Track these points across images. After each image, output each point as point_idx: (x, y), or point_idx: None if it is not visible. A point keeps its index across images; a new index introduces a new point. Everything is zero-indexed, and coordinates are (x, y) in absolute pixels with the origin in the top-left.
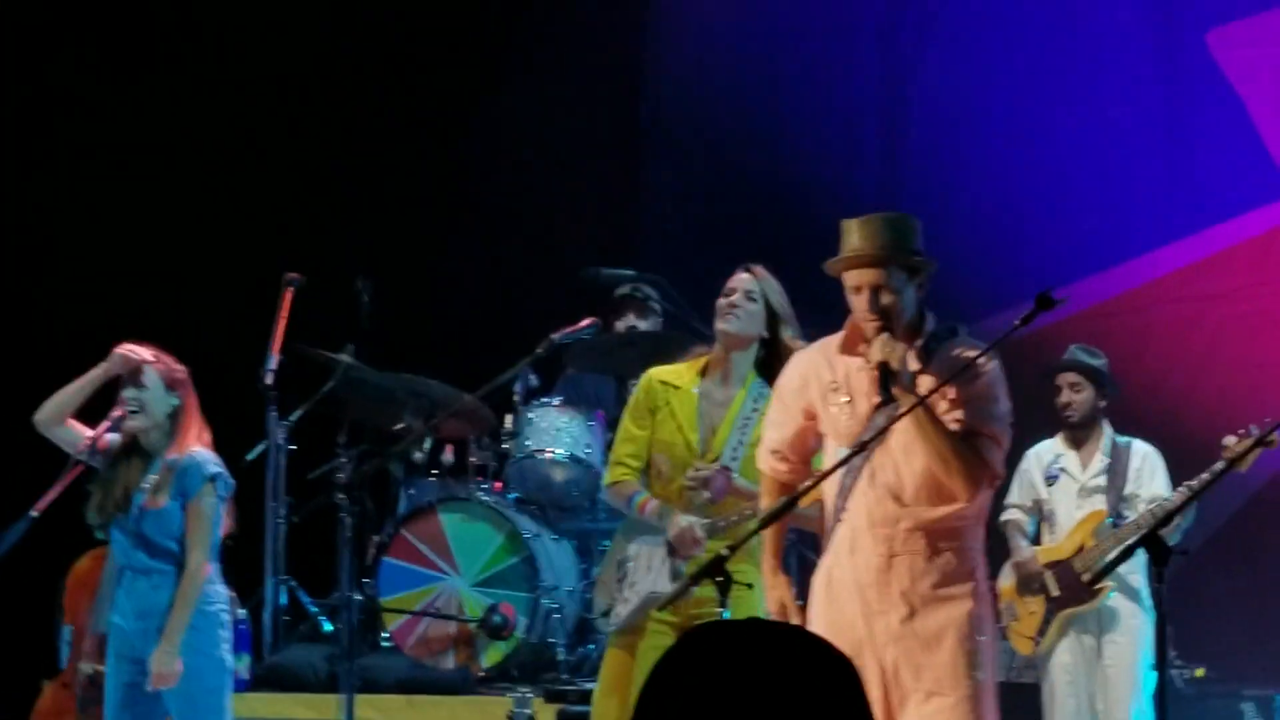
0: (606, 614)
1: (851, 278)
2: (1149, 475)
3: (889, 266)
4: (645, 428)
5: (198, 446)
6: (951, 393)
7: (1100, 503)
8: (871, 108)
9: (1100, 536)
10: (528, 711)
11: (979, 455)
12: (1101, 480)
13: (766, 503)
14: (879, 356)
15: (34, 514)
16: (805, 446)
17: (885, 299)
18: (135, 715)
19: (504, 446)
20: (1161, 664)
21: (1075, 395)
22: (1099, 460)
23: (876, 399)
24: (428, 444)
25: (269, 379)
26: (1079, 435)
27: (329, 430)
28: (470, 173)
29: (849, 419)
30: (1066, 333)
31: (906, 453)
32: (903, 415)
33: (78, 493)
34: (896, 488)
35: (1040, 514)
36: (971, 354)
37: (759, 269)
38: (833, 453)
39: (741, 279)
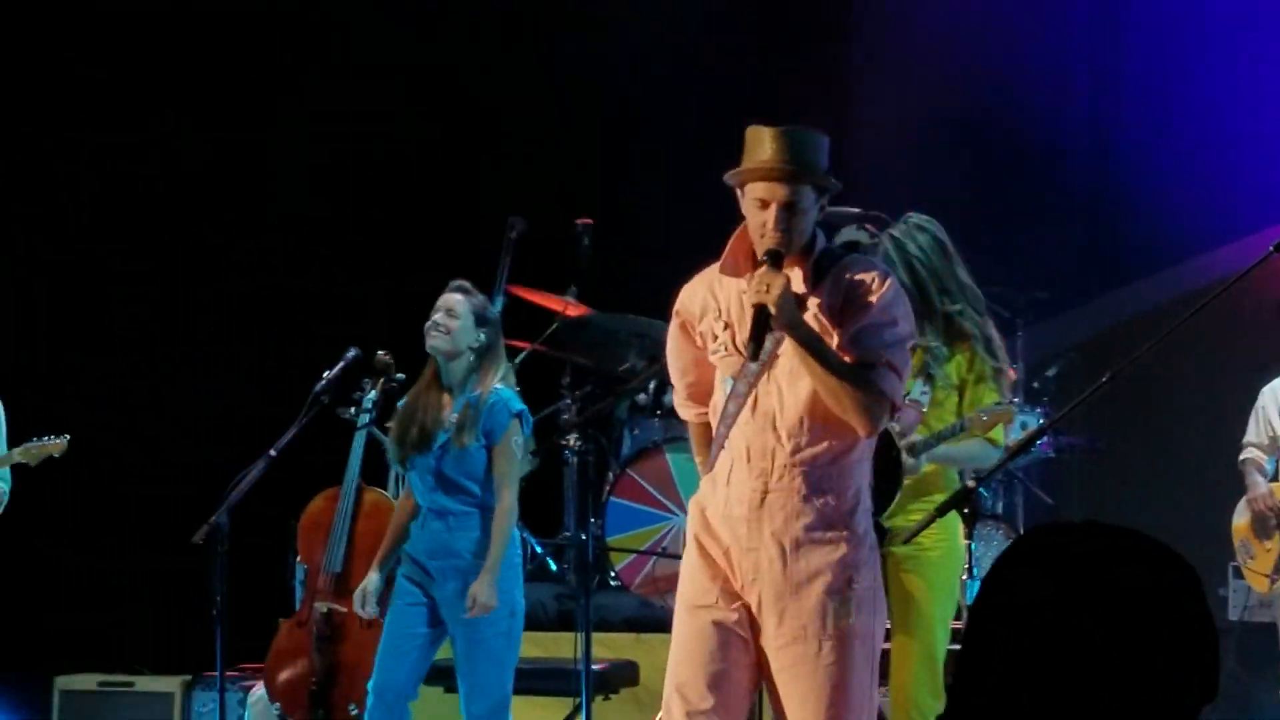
0: None
1: (760, 190)
2: None
3: (803, 184)
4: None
5: (499, 384)
6: (843, 318)
7: None
8: (1083, 44)
9: None
10: None
11: (875, 387)
12: None
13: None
14: (754, 299)
15: (272, 453)
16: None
17: (795, 218)
18: (418, 650)
19: None
20: None
21: None
22: None
23: (747, 343)
24: (651, 384)
25: None
26: None
27: (552, 372)
28: (684, 114)
29: (729, 347)
30: None
31: (792, 378)
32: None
33: (315, 433)
34: (777, 417)
35: (1278, 450)
36: (866, 276)
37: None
38: (720, 383)
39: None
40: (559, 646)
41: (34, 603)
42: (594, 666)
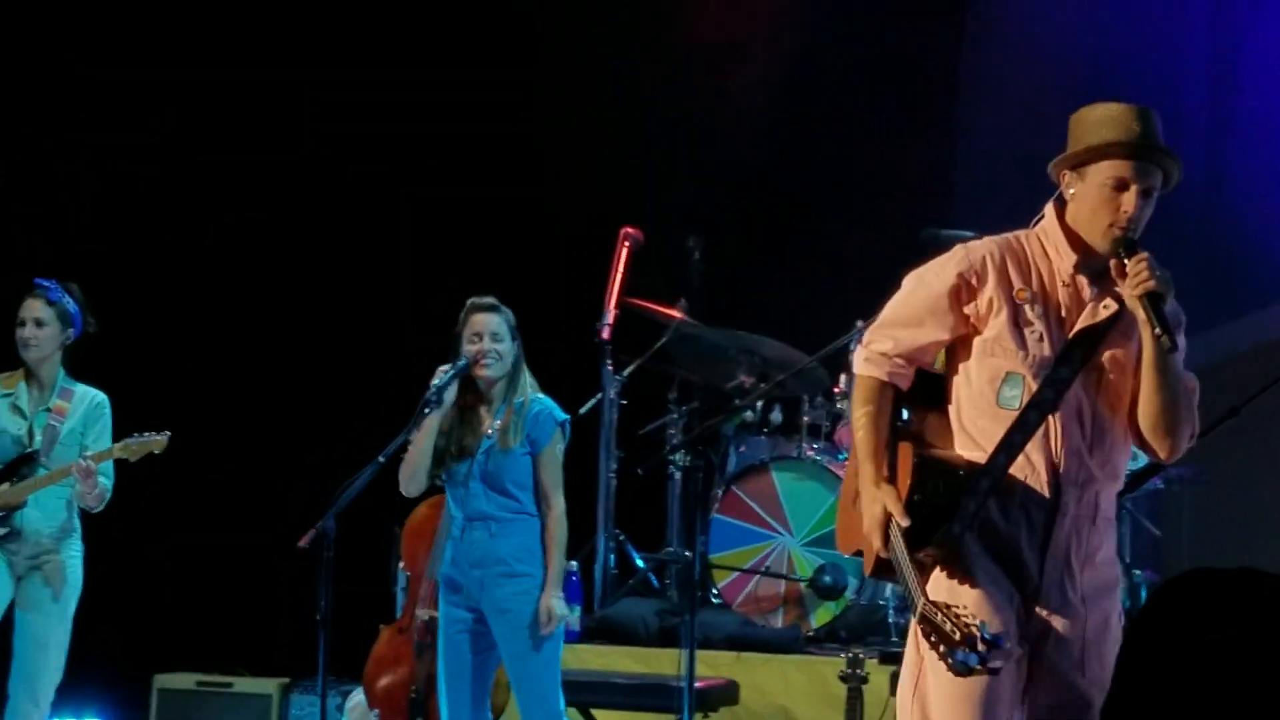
0: None
1: (1123, 169)
2: None
3: (1169, 169)
4: None
5: (536, 391)
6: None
7: None
8: (1200, 75)
9: None
10: (861, 673)
11: (1193, 409)
12: None
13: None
14: (1150, 285)
15: (380, 459)
16: (928, 359)
17: (1148, 207)
18: (475, 680)
19: (838, 406)
20: None
21: None
22: None
23: (1155, 331)
24: (759, 402)
25: (605, 334)
26: None
27: (660, 386)
28: (797, 133)
29: (1040, 342)
30: None
31: (1105, 389)
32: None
33: None
34: (1087, 430)
35: None
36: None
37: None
38: (1001, 377)
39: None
40: (660, 662)
41: (135, 601)
42: (695, 684)
